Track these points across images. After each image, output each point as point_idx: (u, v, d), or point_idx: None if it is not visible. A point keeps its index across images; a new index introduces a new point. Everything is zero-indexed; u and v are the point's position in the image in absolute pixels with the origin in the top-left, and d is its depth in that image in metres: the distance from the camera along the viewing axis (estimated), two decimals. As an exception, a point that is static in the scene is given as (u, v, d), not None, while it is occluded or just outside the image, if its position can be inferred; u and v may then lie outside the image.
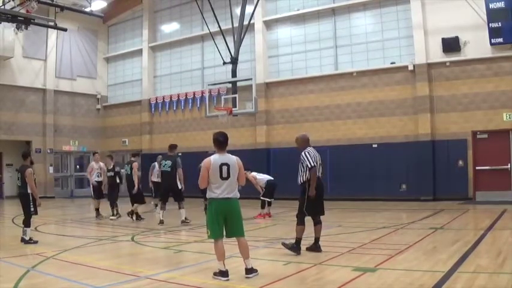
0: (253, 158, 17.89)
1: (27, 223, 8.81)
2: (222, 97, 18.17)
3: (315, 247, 7.28)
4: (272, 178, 13.08)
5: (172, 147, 12.10)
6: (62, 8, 17.95)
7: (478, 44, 15.92)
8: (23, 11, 16.93)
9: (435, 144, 16.65)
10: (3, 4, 17.14)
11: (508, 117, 15.51)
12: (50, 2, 18.17)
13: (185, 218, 11.58)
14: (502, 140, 15.62)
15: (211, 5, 16.95)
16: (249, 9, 16.69)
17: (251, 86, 15.92)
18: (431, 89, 16.82)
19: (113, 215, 13.32)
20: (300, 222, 7.21)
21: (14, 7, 17.18)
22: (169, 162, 11.69)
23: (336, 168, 17.89)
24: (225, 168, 5.80)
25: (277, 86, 20.22)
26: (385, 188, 17.09)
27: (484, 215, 12.28)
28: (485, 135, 15.97)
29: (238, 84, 16.60)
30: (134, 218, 12.76)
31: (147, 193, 14.70)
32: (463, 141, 16.16)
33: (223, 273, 5.69)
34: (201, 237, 9.56)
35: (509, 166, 15.40)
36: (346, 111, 18.43)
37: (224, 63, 16.85)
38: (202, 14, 18.63)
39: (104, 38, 26.44)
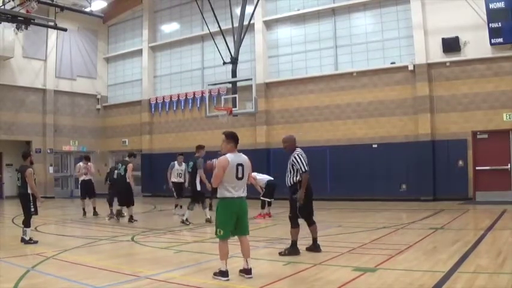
0: (253, 158, 17.74)
1: (27, 223, 8.81)
2: (222, 97, 18.18)
3: (314, 247, 7.30)
4: (272, 178, 13.08)
5: (199, 147, 11.99)
6: (62, 8, 17.95)
7: (478, 44, 15.92)
8: (23, 11, 16.93)
9: (435, 144, 16.65)
10: (3, 4, 17.14)
11: (508, 117, 15.51)
12: (50, 2, 18.17)
13: (210, 217, 11.48)
14: (502, 140, 15.62)
15: (211, 5, 16.96)
16: (249, 9, 16.69)
17: (251, 86, 15.93)
18: (431, 89, 16.82)
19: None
20: (294, 224, 7.21)
21: (14, 7, 17.17)
22: (191, 164, 11.81)
23: (336, 168, 17.90)
24: (240, 168, 5.85)
25: (277, 86, 20.21)
26: (385, 188, 17.09)
27: (484, 215, 12.28)
28: (485, 135, 15.97)
29: (238, 84, 16.60)
30: (119, 218, 12.57)
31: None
32: (463, 141, 16.15)
33: (224, 273, 5.68)
34: (201, 237, 9.56)
35: (509, 166, 15.40)
36: (346, 111, 18.43)
37: (224, 63, 16.86)
38: (202, 14, 18.64)
39: (104, 38, 26.44)
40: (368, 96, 17.96)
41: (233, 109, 15.83)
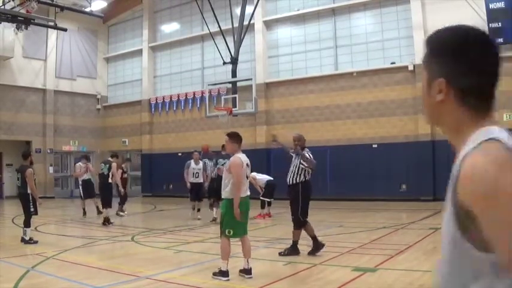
0: (253, 158, 17.77)
1: (27, 223, 8.81)
2: (222, 97, 18.16)
3: (317, 245, 7.18)
4: (272, 178, 13.08)
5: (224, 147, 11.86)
6: (62, 8, 17.96)
7: (478, 44, 15.90)
8: (23, 11, 16.93)
9: (435, 144, 16.64)
10: (3, 4, 17.14)
11: (508, 117, 15.52)
12: (50, 2, 18.17)
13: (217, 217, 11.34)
14: (502, 140, 15.61)
15: (211, 5, 16.95)
16: (249, 9, 16.68)
17: (251, 86, 15.92)
18: (432, 89, 16.80)
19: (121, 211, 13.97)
20: (298, 226, 7.19)
21: (14, 7, 17.17)
22: (222, 161, 11.65)
23: (336, 168, 17.89)
24: (248, 168, 6.05)
25: (277, 86, 20.21)
26: (385, 188, 17.08)
27: (484, 215, 12.26)
28: (485, 135, 15.95)
29: (238, 84, 16.60)
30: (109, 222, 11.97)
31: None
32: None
33: (224, 273, 5.68)
34: (201, 237, 9.56)
35: (509, 166, 15.39)
36: (346, 111, 18.43)
37: (224, 63, 16.85)
38: (202, 14, 18.63)
39: (104, 38, 26.44)
40: (368, 96, 17.96)
41: (233, 109, 15.82)
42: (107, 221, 11.76)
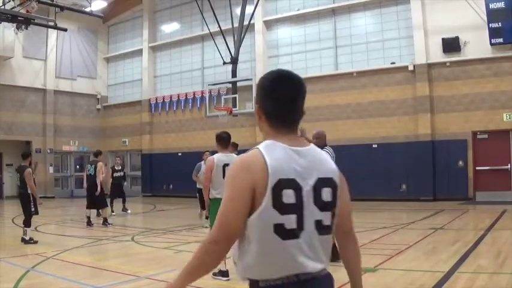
0: (253, 158, 17.84)
1: (27, 223, 8.82)
2: (222, 97, 18.17)
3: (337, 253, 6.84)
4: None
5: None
6: (62, 8, 17.94)
7: (478, 44, 15.91)
8: (23, 11, 16.92)
9: (435, 145, 16.64)
10: (3, 4, 17.13)
11: (508, 118, 15.51)
12: (50, 2, 18.16)
13: None
14: (502, 140, 15.62)
15: (211, 5, 16.95)
16: (249, 9, 16.69)
17: (251, 86, 15.92)
18: (432, 89, 16.81)
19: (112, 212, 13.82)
20: None
21: (14, 7, 17.16)
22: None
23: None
24: (227, 168, 5.82)
25: (277, 86, 20.18)
26: (385, 188, 17.07)
27: (484, 215, 12.28)
28: (485, 136, 15.96)
29: (238, 84, 16.60)
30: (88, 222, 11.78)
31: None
32: (463, 141, 16.15)
33: (224, 273, 5.68)
34: (201, 237, 9.54)
35: (509, 166, 15.39)
36: (346, 111, 18.42)
37: (224, 63, 16.86)
38: (202, 14, 18.63)
39: (104, 38, 26.44)
40: (368, 96, 17.95)
41: (233, 109, 15.84)
42: (106, 221, 11.75)
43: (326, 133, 7.01)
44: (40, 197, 9.34)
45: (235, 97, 16.03)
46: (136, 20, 25.05)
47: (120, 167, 15.39)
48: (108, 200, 13.61)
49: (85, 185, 13.57)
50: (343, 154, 18.32)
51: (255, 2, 16.81)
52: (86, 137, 25.03)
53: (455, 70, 16.47)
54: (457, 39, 16.25)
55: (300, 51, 19.84)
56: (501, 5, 15.31)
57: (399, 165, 16.95)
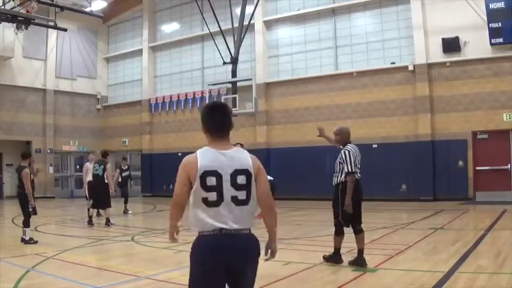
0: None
1: (26, 223, 8.80)
2: (222, 97, 18.16)
3: (359, 260, 6.23)
4: (272, 178, 13.06)
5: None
6: (62, 8, 17.95)
7: (478, 44, 15.92)
8: (23, 11, 16.93)
9: (435, 145, 16.64)
10: (3, 4, 17.14)
11: (508, 117, 15.51)
12: (50, 2, 18.17)
13: None
14: (502, 140, 15.62)
15: (211, 5, 16.96)
16: (249, 9, 16.69)
17: (251, 86, 15.93)
18: (432, 89, 16.81)
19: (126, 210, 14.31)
20: (339, 231, 6.46)
21: (14, 7, 17.17)
22: None
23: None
24: None
25: (277, 86, 20.21)
26: (385, 188, 17.06)
27: (484, 215, 12.28)
28: (485, 136, 15.97)
29: (238, 84, 16.60)
30: (105, 222, 11.88)
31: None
32: (463, 141, 16.15)
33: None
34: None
35: (509, 166, 15.39)
36: (346, 111, 18.42)
37: (224, 63, 16.86)
38: (202, 14, 18.64)
39: (104, 38, 26.44)
40: (368, 96, 17.95)
41: (233, 109, 15.82)
42: (108, 221, 11.75)
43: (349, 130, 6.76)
44: (40, 197, 9.31)
45: (235, 97, 16.03)
46: (136, 20, 25.05)
47: (126, 167, 15.90)
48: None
49: (85, 185, 13.63)
50: (343, 154, 18.45)
51: (255, 2, 16.82)
52: (86, 137, 25.03)
53: (455, 70, 16.47)
54: (457, 39, 16.25)
55: (300, 51, 19.84)
56: (501, 5, 15.32)
57: (399, 165, 16.95)
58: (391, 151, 17.15)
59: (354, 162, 6.18)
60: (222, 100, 17.89)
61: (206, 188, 2.71)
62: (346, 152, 6.26)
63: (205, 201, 2.71)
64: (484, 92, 15.89)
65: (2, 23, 17.81)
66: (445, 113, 16.61)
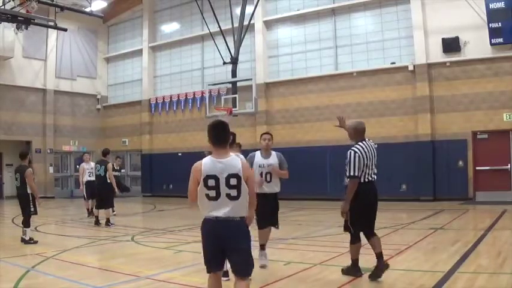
0: (253, 158, 17.85)
1: (26, 223, 8.81)
2: (222, 97, 18.17)
3: (380, 265, 5.54)
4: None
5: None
6: (62, 8, 17.95)
7: (478, 44, 15.92)
8: (23, 11, 16.92)
9: (435, 144, 16.64)
10: (3, 4, 17.13)
11: (508, 117, 15.51)
12: (50, 2, 18.17)
13: None
14: (502, 140, 15.62)
15: (211, 5, 16.96)
16: (249, 9, 16.70)
17: (251, 86, 15.93)
18: (432, 89, 16.81)
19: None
20: (354, 239, 5.72)
21: (14, 7, 17.16)
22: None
23: (336, 168, 17.85)
24: None
25: (277, 86, 20.21)
26: (385, 188, 16.82)
27: (484, 215, 12.28)
28: (485, 136, 15.97)
29: (238, 84, 16.61)
30: (104, 222, 11.77)
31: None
32: (463, 141, 16.15)
33: (224, 273, 5.67)
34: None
35: (509, 166, 15.40)
36: (346, 111, 18.37)
37: (224, 63, 16.86)
38: (202, 14, 18.64)
39: (104, 38, 26.44)
40: (368, 96, 17.95)
41: (233, 109, 15.84)
42: (108, 221, 11.72)
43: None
44: (40, 197, 9.32)
45: (235, 97, 16.03)
46: (136, 20, 25.05)
47: (118, 167, 15.52)
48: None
49: (82, 185, 13.65)
50: (343, 154, 18.42)
51: (255, 2, 16.82)
52: (85, 137, 25.03)
53: (455, 70, 16.47)
54: (457, 39, 16.25)
55: (300, 51, 19.84)
56: (501, 5, 15.32)
57: (399, 165, 16.93)
58: (391, 151, 17.10)
59: (359, 165, 5.69)
60: (222, 100, 17.94)
61: (208, 187, 3.75)
62: (352, 153, 5.82)
63: (207, 196, 3.76)
64: (484, 92, 15.89)
65: (2, 23, 17.81)
66: (445, 113, 16.61)
